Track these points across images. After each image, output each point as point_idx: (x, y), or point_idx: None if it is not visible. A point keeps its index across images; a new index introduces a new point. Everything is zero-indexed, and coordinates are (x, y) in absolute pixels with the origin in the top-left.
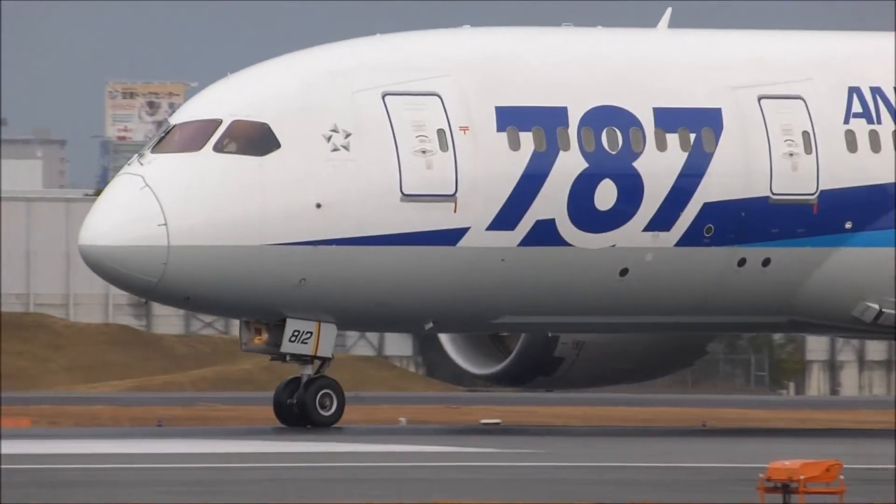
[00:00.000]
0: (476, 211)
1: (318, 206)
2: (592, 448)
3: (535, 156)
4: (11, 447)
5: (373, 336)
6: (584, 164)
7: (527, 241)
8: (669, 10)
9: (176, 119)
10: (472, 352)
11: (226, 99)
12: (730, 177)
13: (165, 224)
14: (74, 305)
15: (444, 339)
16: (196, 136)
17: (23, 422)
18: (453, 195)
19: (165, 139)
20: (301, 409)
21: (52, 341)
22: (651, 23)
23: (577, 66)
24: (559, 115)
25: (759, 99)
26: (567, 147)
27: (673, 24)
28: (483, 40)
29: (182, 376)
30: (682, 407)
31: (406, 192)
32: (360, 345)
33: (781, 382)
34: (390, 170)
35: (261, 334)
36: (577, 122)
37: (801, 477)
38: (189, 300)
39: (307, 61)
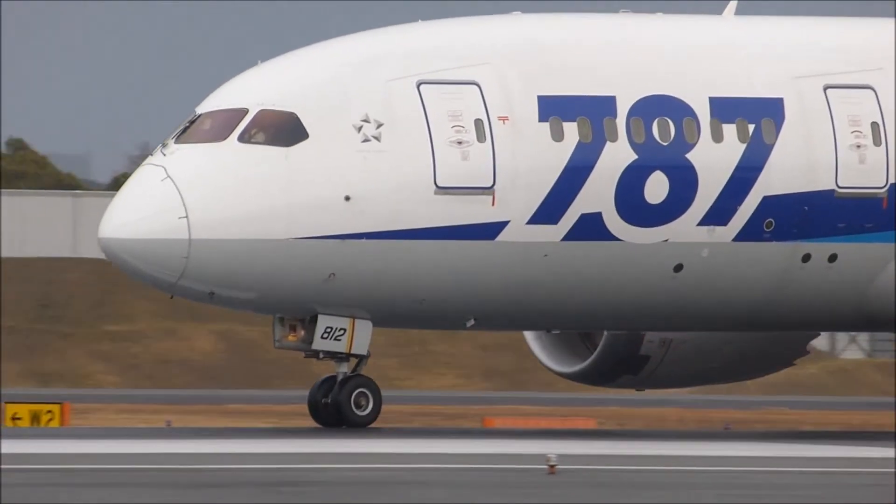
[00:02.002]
0: (516, 204)
1: (347, 198)
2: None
3: (580, 147)
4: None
5: (863, 338)
6: (633, 156)
7: (571, 235)
8: None
9: (202, 108)
10: (557, 349)
11: (253, 87)
12: (791, 170)
13: (186, 217)
14: None
15: (529, 336)
16: (221, 125)
17: (588, 422)
18: (491, 188)
19: (190, 129)
20: (336, 409)
21: None
22: (718, 11)
23: (629, 54)
24: (607, 104)
25: (826, 89)
26: (615, 138)
27: (741, 11)
28: (529, 27)
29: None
30: None
31: (440, 184)
32: (851, 349)
33: None
34: (424, 161)
35: (295, 331)
36: (625, 112)
37: None
38: (213, 296)
39: (340, 49)
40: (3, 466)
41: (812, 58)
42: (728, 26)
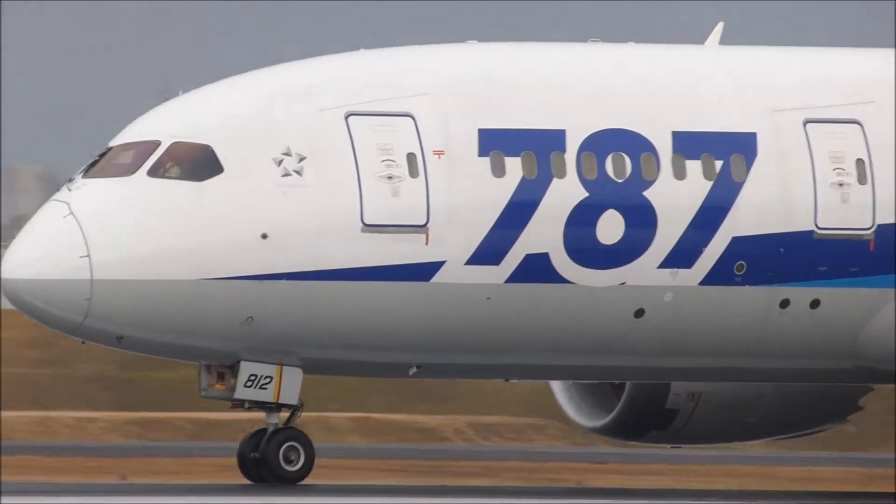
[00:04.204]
0: (452, 243)
1: (265, 236)
2: None
3: (524, 183)
4: None
5: None
6: (584, 193)
7: (516, 276)
8: (721, 25)
9: (115, 140)
10: (584, 401)
11: (168, 118)
12: (763, 209)
13: (88, 256)
14: None
15: (555, 387)
16: (131, 159)
17: None
18: (424, 225)
19: (99, 162)
20: (264, 464)
21: None
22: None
23: (585, 85)
24: (555, 138)
25: (806, 123)
26: (562, 174)
27: (726, 39)
28: (478, 56)
29: None
30: None
31: (368, 221)
32: None
33: None
34: (349, 197)
35: (223, 379)
36: (576, 147)
37: None
38: (122, 339)
39: (266, 79)
40: None
41: (793, 90)
42: (703, 56)
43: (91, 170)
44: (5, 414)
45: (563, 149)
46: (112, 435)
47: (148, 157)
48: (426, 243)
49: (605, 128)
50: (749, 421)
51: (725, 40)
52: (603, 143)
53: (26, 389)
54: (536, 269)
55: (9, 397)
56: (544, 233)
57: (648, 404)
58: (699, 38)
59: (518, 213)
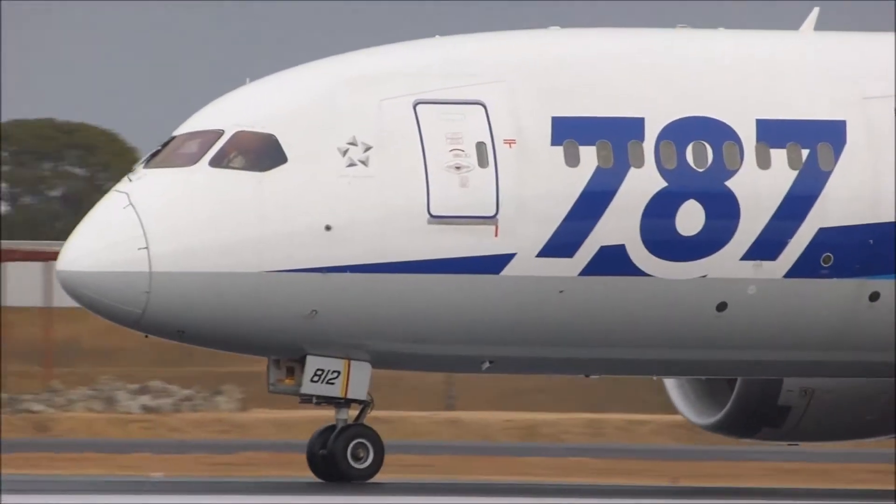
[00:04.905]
0: (523, 235)
1: (328, 227)
2: None
3: (599, 172)
4: None
5: None
6: (662, 183)
7: (590, 269)
8: (816, 10)
9: (178, 130)
10: (698, 397)
11: (232, 107)
12: (852, 200)
13: (147, 248)
14: None
15: (668, 383)
16: (194, 148)
17: None
18: (493, 217)
19: (162, 152)
20: (332, 461)
21: None
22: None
23: (665, 72)
24: (633, 126)
25: None
26: (640, 163)
27: (824, 26)
28: (555, 42)
29: None
30: None
31: (434, 212)
32: None
33: None
34: (416, 188)
35: (292, 374)
36: (655, 136)
37: None
38: (184, 333)
39: (332, 68)
40: None
41: (887, 77)
42: (793, 42)
43: (153, 160)
44: (558, 416)
45: (641, 137)
46: (660, 438)
47: (211, 147)
48: (495, 235)
49: (684, 115)
50: (870, 418)
51: (821, 27)
52: (683, 131)
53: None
54: (612, 261)
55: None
56: (620, 224)
57: (759, 401)
58: (795, 26)
59: (592, 203)
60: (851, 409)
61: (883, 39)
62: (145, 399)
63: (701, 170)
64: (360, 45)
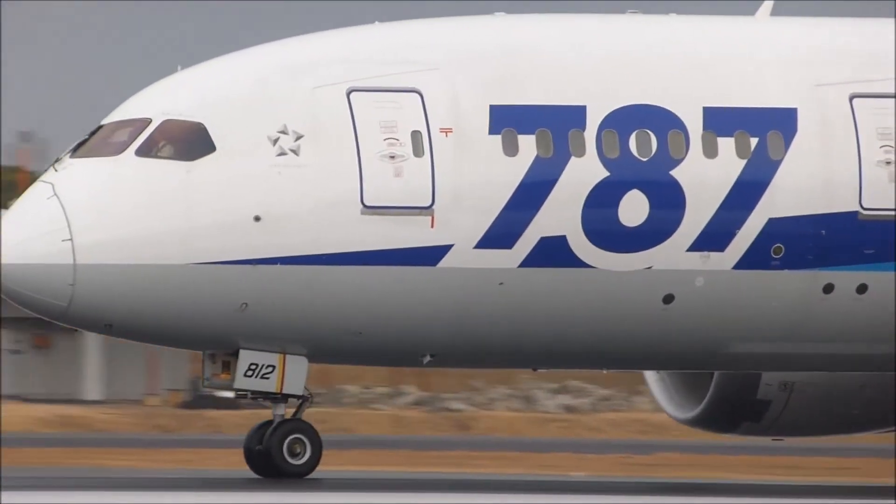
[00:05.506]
0: (461, 226)
1: (258, 218)
2: None
3: (538, 162)
4: None
5: None
6: (604, 173)
7: (530, 261)
8: None
9: (108, 118)
10: (678, 391)
11: (161, 95)
12: (804, 189)
13: (71, 239)
14: None
15: (649, 377)
16: (121, 137)
17: None
18: (429, 207)
19: (88, 142)
20: (268, 457)
21: None
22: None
23: (610, 59)
24: (574, 115)
25: (852, 98)
26: (581, 153)
27: (778, 11)
28: (498, 29)
29: None
30: None
31: (368, 203)
32: None
33: None
34: (349, 178)
35: (228, 369)
36: (597, 124)
37: None
38: (112, 327)
39: (264, 55)
40: None
41: (843, 64)
42: (745, 28)
43: (80, 149)
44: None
45: (582, 126)
46: None
47: (138, 136)
48: (432, 226)
49: (627, 104)
50: (853, 412)
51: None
52: (627, 119)
53: None
54: (553, 252)
55: None
56: (560, 214)
57: (738, 395)
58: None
59: (531, 193)
60: (833, 404)
61: (840, 25)
62: (564, 398)
63: (645, 159)
64: None
